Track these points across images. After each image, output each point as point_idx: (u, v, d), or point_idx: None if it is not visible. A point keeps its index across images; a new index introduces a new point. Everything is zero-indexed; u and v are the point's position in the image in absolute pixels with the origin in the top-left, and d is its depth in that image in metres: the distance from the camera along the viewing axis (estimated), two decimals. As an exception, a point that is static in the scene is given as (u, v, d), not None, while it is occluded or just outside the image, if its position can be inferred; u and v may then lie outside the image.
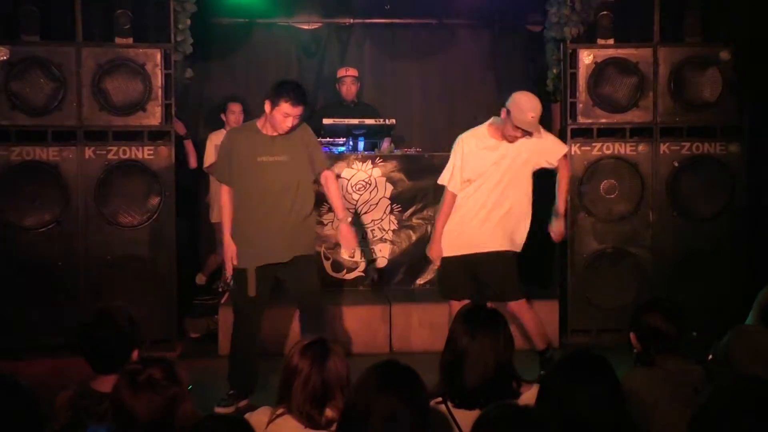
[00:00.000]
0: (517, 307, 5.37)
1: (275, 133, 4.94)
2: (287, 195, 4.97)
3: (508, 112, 5.05)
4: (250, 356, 5.11)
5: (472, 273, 5.38)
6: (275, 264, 5.03)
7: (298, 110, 4.83)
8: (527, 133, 5.07)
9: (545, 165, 5.35)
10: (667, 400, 2.92)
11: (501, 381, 2.90)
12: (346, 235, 5.09)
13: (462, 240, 5.31)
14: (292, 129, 4.95)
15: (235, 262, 5.00)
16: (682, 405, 2.71)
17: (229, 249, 5.03)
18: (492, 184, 5.25)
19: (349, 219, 5.11)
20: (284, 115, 4.82)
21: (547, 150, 5.31)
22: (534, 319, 5.44)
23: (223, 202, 5.17)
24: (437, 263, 5.46)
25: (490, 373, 2.86)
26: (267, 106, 4.90)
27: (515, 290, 5.36)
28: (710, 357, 2.85)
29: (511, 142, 5.17)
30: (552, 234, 5.43)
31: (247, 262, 4.99)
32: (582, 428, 2.40)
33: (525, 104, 5.03)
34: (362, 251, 6.81)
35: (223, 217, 5.19)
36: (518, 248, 5.39)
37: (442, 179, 5.35)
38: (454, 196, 5.30)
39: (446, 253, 5.35)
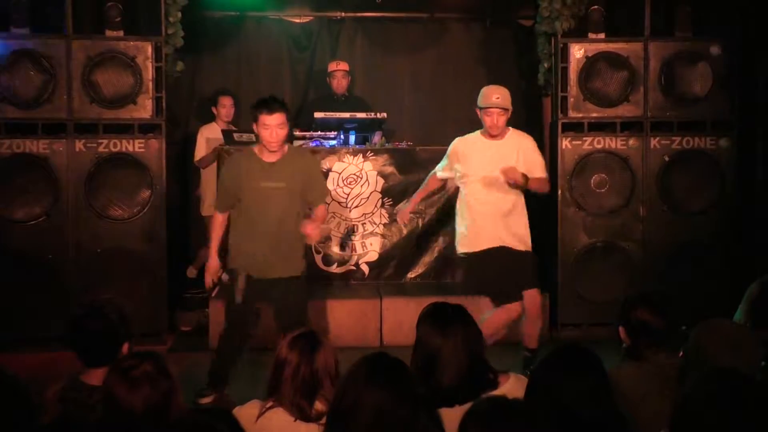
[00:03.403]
0: (533, 299, 5.38)
1: (274, 159, 4.97)
2: (284, 219, 4.98)
3: (479, 108, 5.31)
4: (235, 357, 5.18)
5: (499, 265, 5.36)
6: (267, 279, 5.03)
7: (275, 118, 4.84)
8: (504, 111, 5.22)
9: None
10: (655, 394, 2.93)
11: (477, 374, 2.90)
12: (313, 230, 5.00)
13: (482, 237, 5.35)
14: (285, 143, 4.99)
15: (215, 278, 5.19)
16: (670, 398, 2.72)
17: (212, 266, 5.14)
18: (488, 179, 5.29)
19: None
20: (264, 126, 4.87)
21: (534, 166, 5.32)
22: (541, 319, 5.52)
23: (213, 225, 5.25)
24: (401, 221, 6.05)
25: (464, 368, 2.86)
26: (254, 128, 4.97)
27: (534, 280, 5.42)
28: (680, 353, 2.87)
29: (495, 135, 5.29)
30: None
31: (241, 266, 5.02)
32: (571, 421, 2.41)
33: (488, 91, 5.33)
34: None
35: (212, 239, 5.21)
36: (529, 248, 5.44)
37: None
38: (437, 179, 5.67)
39: (470, 249, 5.39)
